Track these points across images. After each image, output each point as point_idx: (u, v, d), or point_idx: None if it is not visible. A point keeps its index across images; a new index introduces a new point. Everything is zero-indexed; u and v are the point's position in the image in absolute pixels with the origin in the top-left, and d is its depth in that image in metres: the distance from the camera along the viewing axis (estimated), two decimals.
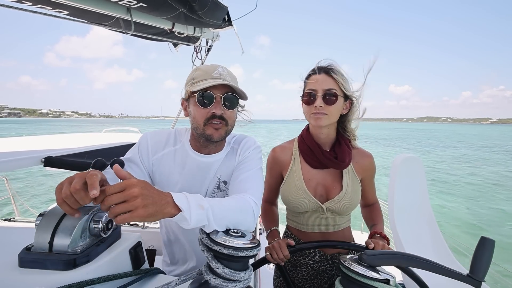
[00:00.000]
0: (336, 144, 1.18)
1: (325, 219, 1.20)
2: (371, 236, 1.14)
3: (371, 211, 1.31)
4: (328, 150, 1.19)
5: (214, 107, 0.92)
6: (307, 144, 1.20)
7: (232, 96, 0.94)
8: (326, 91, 1.07)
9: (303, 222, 1.24)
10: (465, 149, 34.43)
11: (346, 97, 1.12)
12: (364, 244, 1.04)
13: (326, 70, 1.09)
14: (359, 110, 1.18)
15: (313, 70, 1.14)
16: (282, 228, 1.40)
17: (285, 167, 1.24)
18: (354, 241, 1.31)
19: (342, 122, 1.19)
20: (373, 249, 0.98)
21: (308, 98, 1.11)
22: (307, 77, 1.15)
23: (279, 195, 1.32)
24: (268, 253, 1.06)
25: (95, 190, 0.55)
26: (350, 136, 1.21)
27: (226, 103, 0.94)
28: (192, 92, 0.93)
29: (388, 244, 1.08)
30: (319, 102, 1.07)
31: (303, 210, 1.19)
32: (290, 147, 1.27)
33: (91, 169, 0.79)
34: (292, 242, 1.06)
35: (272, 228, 1.23)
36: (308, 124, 1.23)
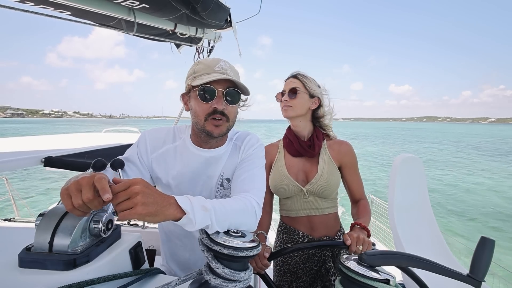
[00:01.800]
0: (312, 136, 1.38)
1: (308, 202, 1.34)
2: (351, 228, 1.20)
3: (357, 207, 1.36)
4: (306, 140, 1.39)
5: (216, 102, 0.90)
6: (288, 137, 1.42)
7: (234, 91, 0.92)
8: (290, 89, 1.34)
9: (289, 208, 1.39)
10: (430, 144, 42.08)
11: (312, 95, 1.35)
12: (340, 240, 1.10)
13: (294, 75, 1.38)
14: (331, 108, 1.41)
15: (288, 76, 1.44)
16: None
17: (272, 160, 1.44)
18: (341, 227, 1.42)
19: (316, 117, 1.40)
20: (349, 245, 1.04)
21: (280, 96, 1.39)
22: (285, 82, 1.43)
23: (273, 198, 1.44)
24: None
25: (108, 194, 0.56)
26: (325, 129, 1.41)
27: (227, 98, 0.92)
28: (194, 86, 0.91)
29: (369, 236, 1.15)
30: (284, 97, 1.36)
31: (288, 195, 1.35)
32: (277, 144, 1.49)
33: (91, 170, 0.79)
34: (269, 251, 1.11)
35: (259, 232, 1.29)
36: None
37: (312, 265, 1.36)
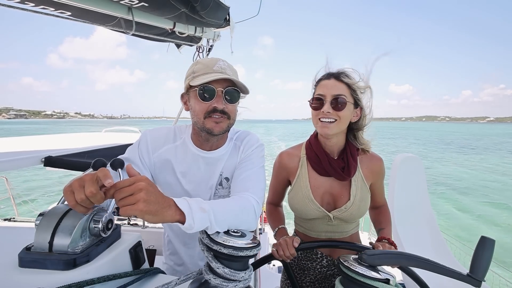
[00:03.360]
0: (344, 153, 1.15)
1: (333, 226, 1.20)
2: (379, 240, 1.12)
3: (379, 214, 1.29)
4: (336, 157, 1.17)
5: (216, 101, 0.91)
6: (315, 151, 1.17)
7: (233, 90, 0.93)
8: (334, 96, 1.05)
9: (310, 228, 1.24)
10: (404, 140, 47.75)
11: (357, 104, 1.09)
12: (370, 246, 1.03)
13: (337, 76, 1.07)
14: (371, 115, 1.15)
15: (324, 75, 1.12)
16: (290, 232, 1.40)
17: (292, 174, 1.23)
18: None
19: (352, 130, 1.16)
20: None
21: (316, 103, 1.09)
22: (317, 82, 1.14)
23: (287, 201, 1.32)
24: (274, 249, 1.06)
25: (110, 180, 0.57)
26: (363, 146, 1.17)
27: (227, 97, 0.92)
28: (193, 86, 0.92)
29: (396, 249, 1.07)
30: (326, 107, 1.05)
31: (310, 217, 1.19)
32: (298, 153, 1.24)
33: (91, 170, 0.79)
34: (298, 241, 1.05)
35: (280, 227, 1.23)
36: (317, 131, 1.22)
37: (328, 286, 1.25)
